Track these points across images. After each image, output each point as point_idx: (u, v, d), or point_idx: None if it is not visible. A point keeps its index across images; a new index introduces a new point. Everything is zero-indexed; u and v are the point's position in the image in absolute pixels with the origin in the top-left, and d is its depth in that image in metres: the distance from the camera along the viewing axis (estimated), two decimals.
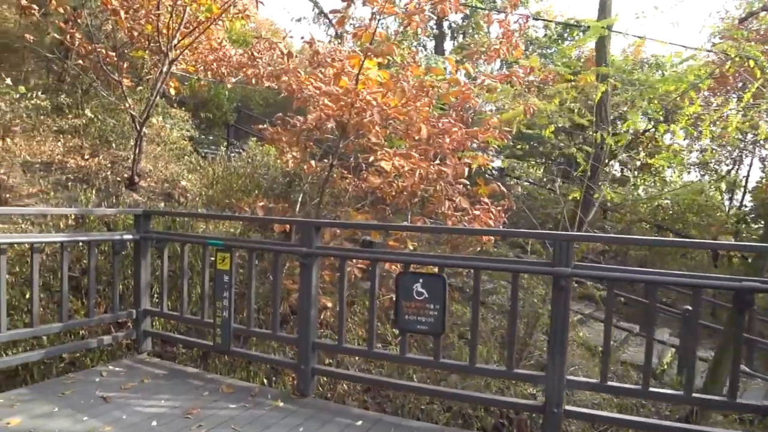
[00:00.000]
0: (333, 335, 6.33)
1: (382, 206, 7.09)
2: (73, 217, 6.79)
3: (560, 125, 7.70)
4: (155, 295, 5.87)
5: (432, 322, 3.96)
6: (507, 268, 4.09)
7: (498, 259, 4.34)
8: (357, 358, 5.75)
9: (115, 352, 5.81)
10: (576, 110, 7.42)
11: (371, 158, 6.55)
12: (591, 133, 8.25)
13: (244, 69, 9.60)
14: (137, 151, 7.97)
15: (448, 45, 21.03)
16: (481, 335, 7.50)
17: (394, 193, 6.82)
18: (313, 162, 6.86)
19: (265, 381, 5.55)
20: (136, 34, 8.89)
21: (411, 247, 6.28)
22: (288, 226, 6.51)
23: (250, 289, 4.59)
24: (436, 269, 4.02)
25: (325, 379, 5.33)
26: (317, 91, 6.50)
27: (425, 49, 19.98)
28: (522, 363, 6.91)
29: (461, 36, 20.75)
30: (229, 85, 10.41)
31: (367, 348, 4.25)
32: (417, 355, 4.93)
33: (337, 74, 6.74)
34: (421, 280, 3.99)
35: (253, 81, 9.34)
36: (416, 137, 6.89)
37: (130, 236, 5.14)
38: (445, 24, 20.57)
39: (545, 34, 19.28)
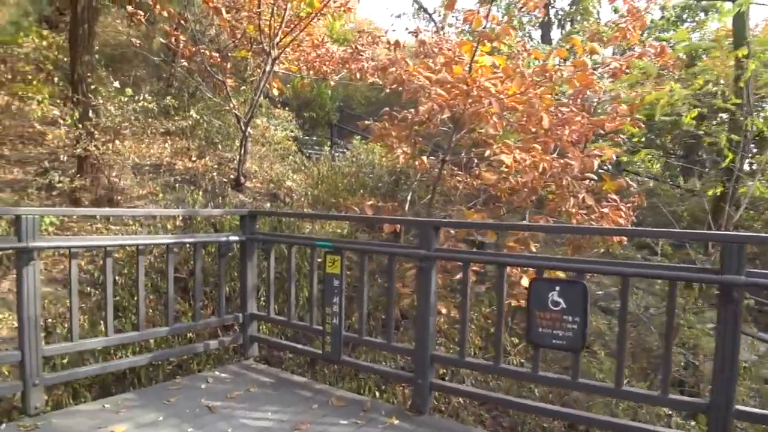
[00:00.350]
0: (447, 343, 5.88)
1: (497, 204, 6.53)
2: (180, 218, 6.75)
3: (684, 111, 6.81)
4: (261, 298, 5.65)
5: (570, 337, 3.39)
6: (663, 275, 3.43)
7: (650, 264, 3.68)
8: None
9: (221, 356, 5.66)
10: (719, 93, 6.51)
11: (487, 152, 6.00)
12: (715, 122, 7.31)
13: (348, 64, 9.33)
14: (242, 151, 7.89)
15: (555, 34, 20.04)
16: (608, 346, 6.80)
17: (510, 191, 6.26)
18: (424, 158, 6.40)
19: (377, 393, 5.18)
20: (238, 35, 8.87)
21: (533, 249, 5.69)
22: (397, 226, 6.10)
23: (362, 295, 4.20)
24: (560, 273, 3.45)
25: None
26: (427, 81, 6.04)
27: (531, 39, 19.10)
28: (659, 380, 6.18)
29: (569, 23, 19.68)
30: (332, 83, 10.20)
31: (492, 363, 3.72)
32: (548, 372, 4.33)
33: (447, 62, 6.25)
34: (557, 288, 3.43)
35: (357, 76, 9.04)
36: (533, 129, 6.30)
37: (236, 237, 4.90)
38: (552, 12, 19.60)
39: (662, 17, 17.83)
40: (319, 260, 4.54)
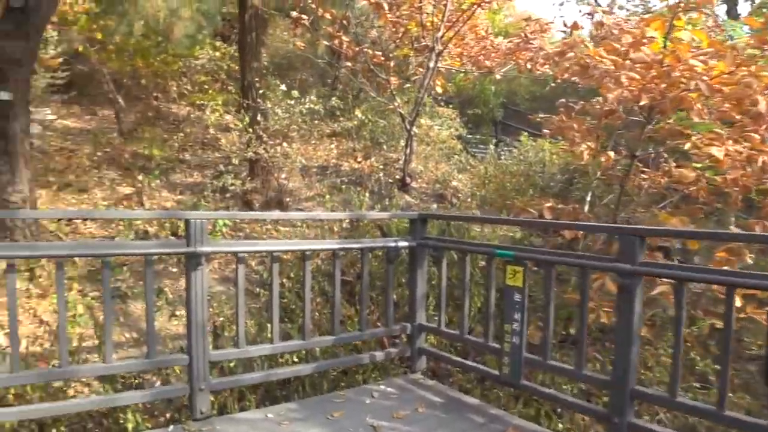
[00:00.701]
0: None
1: (697, 206, 5.60)
2: (347, 219, 6.63)
3: None
4: (429, 308, 5.29)
5: None
6: None
7: None
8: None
9: (386, 367, 5.37)
10: None
11: (686, 144, 5.13)
12: None
13: (515, 55, 8.74)
14: (408, 151, 7.68)
15: (743, 8, 17.74)
16: None
17: (713, 190, 5.32)
18: (611, 153, 5.65)
19: (557, 421, 4.58)
20: (400, 33, 8.68)
21: (749, 261, 4.73)
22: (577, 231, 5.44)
23: (547, 313, 3.65)
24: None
25: None
26: (612, 66, 5.30)
27: (717, 16, 17.05)
28: None
29: None
30: (498, 77, 9.66)
31: (715, 408, 2.98)
32: None
33: (635, 42, 5.45)
34: None
35: (528, 66, 8.42)
36: (737, 116, 5.29)
37: (405, 243, 4.54)
38: None
39: None
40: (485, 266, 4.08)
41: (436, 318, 4.68)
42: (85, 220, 6.33)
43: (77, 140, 8.76)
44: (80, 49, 9.09)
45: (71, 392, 4.48)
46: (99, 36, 8.71)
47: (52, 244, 4.84)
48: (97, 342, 4.87)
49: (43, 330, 4.99)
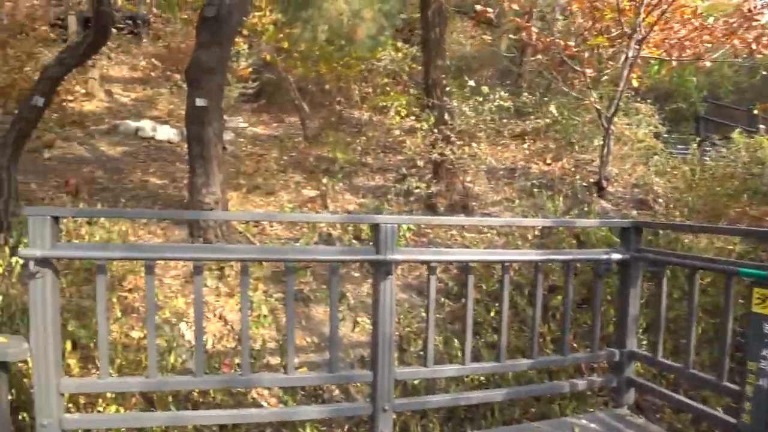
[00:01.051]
0: None
1: None
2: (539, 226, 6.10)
3: None
4: (638, 331, 4.56)
5: None
6: None
7: None
8: None
9: (584, 397, 4.74)
10: None
11: None
12: None
13: (731, 37, 7.50)
14: (605, 152, 6.90)
15: None
16: None
17: None
18: None
19: None
20: (592, 21, 7.90)
21: None
22: None
23: None
24: None
25: None
26: None
27: None
28: None
29: None
30: (708, 64, 8.40)
31: None
32: None
33: None
34: None
35: (753, 47, 7.16)
36: None
37: (618, 255, 3.88)
38: None
39: None
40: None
41: (644, 343, 3.98)
42: (272, 221, 6.47)
43: (265, 145, 9.18)
44: (268, 58, 9.52)
45: (253, 394, 4.47)
46: (285, 45, 9.04)
47: (239, 247, 4.90)
48: (278, 345, 4.84)
49: (228, 329, 5.09)
